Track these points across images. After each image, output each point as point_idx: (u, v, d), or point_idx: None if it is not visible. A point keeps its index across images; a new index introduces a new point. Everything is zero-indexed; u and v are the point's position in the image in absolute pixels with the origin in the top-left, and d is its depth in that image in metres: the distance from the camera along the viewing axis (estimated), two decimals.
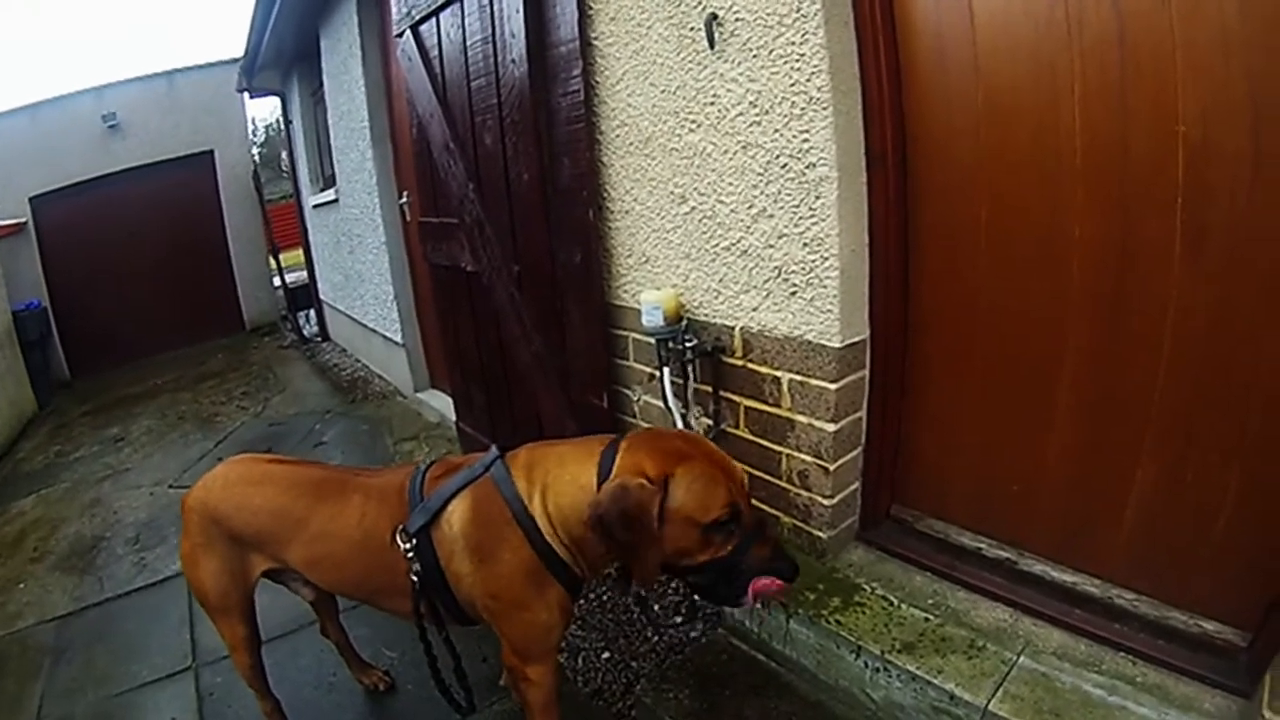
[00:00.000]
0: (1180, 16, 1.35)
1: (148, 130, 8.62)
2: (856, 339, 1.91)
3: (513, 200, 2.78)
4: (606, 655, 2.36)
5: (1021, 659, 1.60)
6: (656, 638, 2.37)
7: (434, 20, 3.03)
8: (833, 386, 1.89)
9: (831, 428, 1.92)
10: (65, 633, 3.02)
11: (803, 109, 1.76)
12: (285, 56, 6.56)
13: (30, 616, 3.19)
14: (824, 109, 1.72)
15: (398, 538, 1.55)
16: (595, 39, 2.34)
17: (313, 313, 8.54)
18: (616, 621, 2.51)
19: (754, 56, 1.84)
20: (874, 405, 2.00)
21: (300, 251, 8.54)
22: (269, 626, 2.49)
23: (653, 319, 2.20)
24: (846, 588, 1.93)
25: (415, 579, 1.55)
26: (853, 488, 2.06)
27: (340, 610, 2.23)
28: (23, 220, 8.01)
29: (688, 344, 2.19)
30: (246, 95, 7.92)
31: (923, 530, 2.04)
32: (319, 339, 8.16)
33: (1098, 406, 1.65)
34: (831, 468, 1.96)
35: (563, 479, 1.46)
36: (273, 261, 9.14)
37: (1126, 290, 1.55)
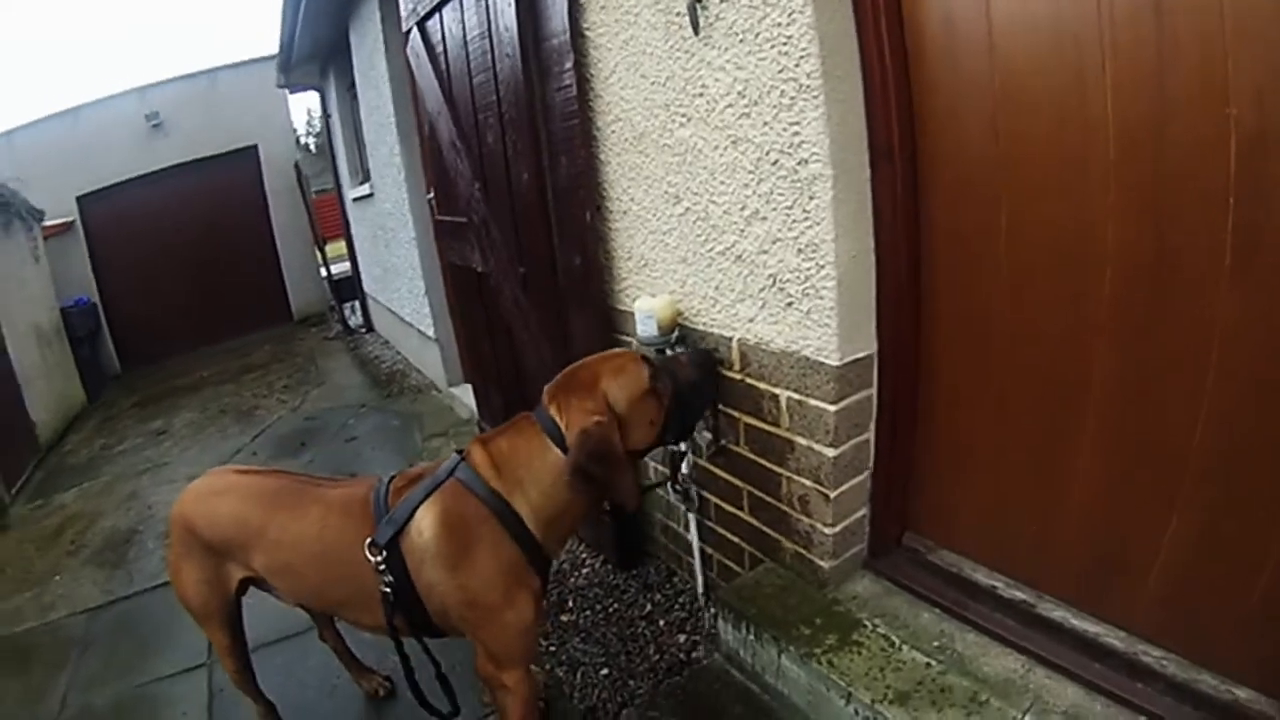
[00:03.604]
0: None
1: (192, 128, 8.83)
2: (860, 355, 1.72)
3: (514, 200, 2.68)
4: (605, 672, 2.29)
5: (1026, 719, 1.43)
6: (658, 657, 2.28)
7: (438, 15, 2.94)
8: (832, 408, 1.71)
9: (831, 453, 1.74)
10: (94, 625, 3.13)
11: (792, 98, 1.58)
12: (320, 52, 6.60)
13: (63, 608, 3.31)
14: (814, 97, 1.53)
15: (367, 550, 1.54)
16: (587, 29, 2.18)
17: (357, 304, 8.65)
18: (620, 637, 2.43)
19: (740, 41, 1.66)
20: (883, 426, 1.82)
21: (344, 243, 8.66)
22: (277, 628, 2.58)
23: (646, 328, 2.06)
24: (846, 624, 1.77)
25: (389, 591, 1.54)
26: (859, 515, 1.88)
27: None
28: (70, 219, 8.29)
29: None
30: (287, 91, 8.02)
31: (934, 562, 1.85)
32: (364, 330, 8.27)
33: (1129, 439, 1.43)
34: (832, 494, 1.79)
35: (534, 465, 1.56)
36: (318, 253, 9.27)
37: (1166, 305, 1.32)
